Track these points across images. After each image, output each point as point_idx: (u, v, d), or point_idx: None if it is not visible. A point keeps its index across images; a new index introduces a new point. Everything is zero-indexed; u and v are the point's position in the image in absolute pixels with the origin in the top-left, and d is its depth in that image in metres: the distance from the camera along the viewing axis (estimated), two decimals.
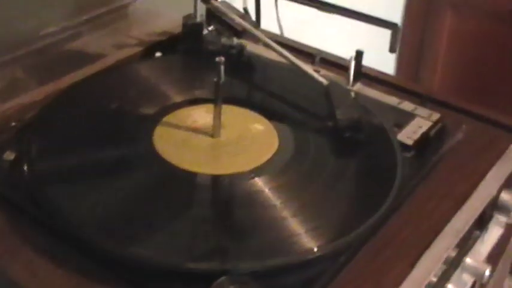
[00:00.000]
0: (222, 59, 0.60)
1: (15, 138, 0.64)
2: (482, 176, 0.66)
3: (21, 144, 0.62)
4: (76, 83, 0.73)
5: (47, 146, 0.63)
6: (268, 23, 0.90)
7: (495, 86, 1.59)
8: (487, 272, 0.64)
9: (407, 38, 1.65)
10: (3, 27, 0.71)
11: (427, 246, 0.58)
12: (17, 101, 0.71)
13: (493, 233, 0.73)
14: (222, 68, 0.60)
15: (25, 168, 0.59)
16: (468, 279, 0.66)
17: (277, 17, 1.04)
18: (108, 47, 0.84)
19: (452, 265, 0.60)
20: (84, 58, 0.80)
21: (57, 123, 0.66)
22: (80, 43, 0.81)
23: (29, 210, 0.56)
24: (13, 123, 0.67)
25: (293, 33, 0.98)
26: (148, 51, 0.83)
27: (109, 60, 0.81)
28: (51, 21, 0.77)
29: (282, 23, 1.05)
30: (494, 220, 0.69)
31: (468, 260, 0.63)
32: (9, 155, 0.61)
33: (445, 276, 0.59)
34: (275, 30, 1.01)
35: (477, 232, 0.66)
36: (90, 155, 0.62)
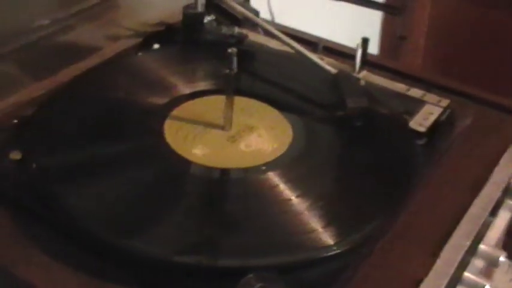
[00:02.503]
0: (235, 50, 0.58)
1: (19, 136, 0.62)
2: (492, 160, 0.66)
3: (27, 142, 0.60)
4: (77, 76, 0.71)
5: (55, 143, 0.61)
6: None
7: (476, 70, 1.60)
8: (502, 258, 0.63)
9: (389, 20, 1.65)
10: None
11: (444, 233, 0.57)
12: (16, 98, 0.69)
13: (502, 218, 0.73)
14: (235, 59, 0.58)
15: (34, 167, 0.57)
16: (481, 265, 0.66)
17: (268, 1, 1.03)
18: (103, 40, 0.82)
19: (469, 253, 0.60)
20: (79, 51, 0.78)
21: (61, 119, 0.64)
22: (73, 36, 0.79)
23: (40, 212, 0.54)
24: (15, 121, 0.64)
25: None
26: (145, 42, 0.81)
27: (106, 53, 0.79)
28: (41, 14, 0.75)
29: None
30: (504, 205, 0.69)
31: (482, 247, 0.63)
32: (16, 155, 0.58)
33: (462, 265, 0.59)
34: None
35: (490, 218, 0.65)
36: (101, 150, 0.60)
